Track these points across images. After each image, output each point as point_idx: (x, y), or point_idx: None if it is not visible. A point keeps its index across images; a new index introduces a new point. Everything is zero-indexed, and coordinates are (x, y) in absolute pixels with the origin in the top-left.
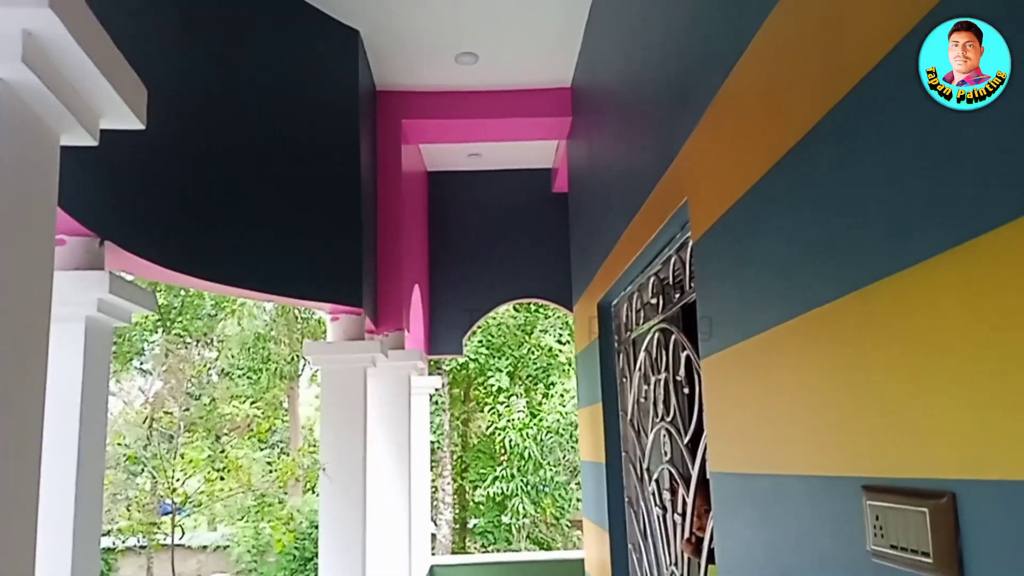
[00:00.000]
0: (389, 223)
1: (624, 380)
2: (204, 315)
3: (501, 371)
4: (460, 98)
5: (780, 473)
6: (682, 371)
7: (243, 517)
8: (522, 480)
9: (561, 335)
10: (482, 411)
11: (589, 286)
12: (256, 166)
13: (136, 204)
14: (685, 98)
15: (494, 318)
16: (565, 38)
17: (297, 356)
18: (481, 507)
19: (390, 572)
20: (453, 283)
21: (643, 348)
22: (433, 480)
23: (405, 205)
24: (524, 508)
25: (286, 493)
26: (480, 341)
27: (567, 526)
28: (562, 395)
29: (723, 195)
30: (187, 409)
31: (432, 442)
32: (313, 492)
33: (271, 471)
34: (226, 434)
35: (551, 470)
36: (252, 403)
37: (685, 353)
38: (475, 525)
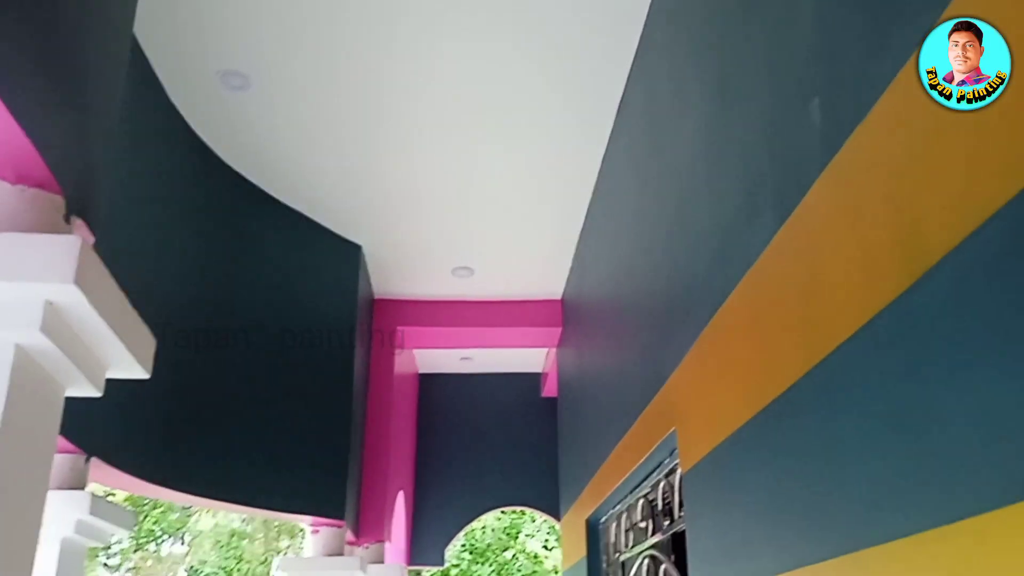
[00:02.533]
0: (378, 429)
1: None
2: (178, 508)
3: None
4: (455, 307)
5: None
6: None
7: None
8: None
9: (547, 540)
10: None
11: (577, 501)
12: (249, 378)
13: (123, 419)
14: (672, 329)
15: (478, 521)
16: (557, 253)
17: (271, 555)
18: None
19: None
20: (440, 488)
21: (632, 573)
22: None
23: (395, 410)
24: None
25: None
26: (463, 545)
27: None
28: None
29: (711, 431)
30: None
31: None
32: None
33: None
34: None
35: None
36: None
37: None
38: None
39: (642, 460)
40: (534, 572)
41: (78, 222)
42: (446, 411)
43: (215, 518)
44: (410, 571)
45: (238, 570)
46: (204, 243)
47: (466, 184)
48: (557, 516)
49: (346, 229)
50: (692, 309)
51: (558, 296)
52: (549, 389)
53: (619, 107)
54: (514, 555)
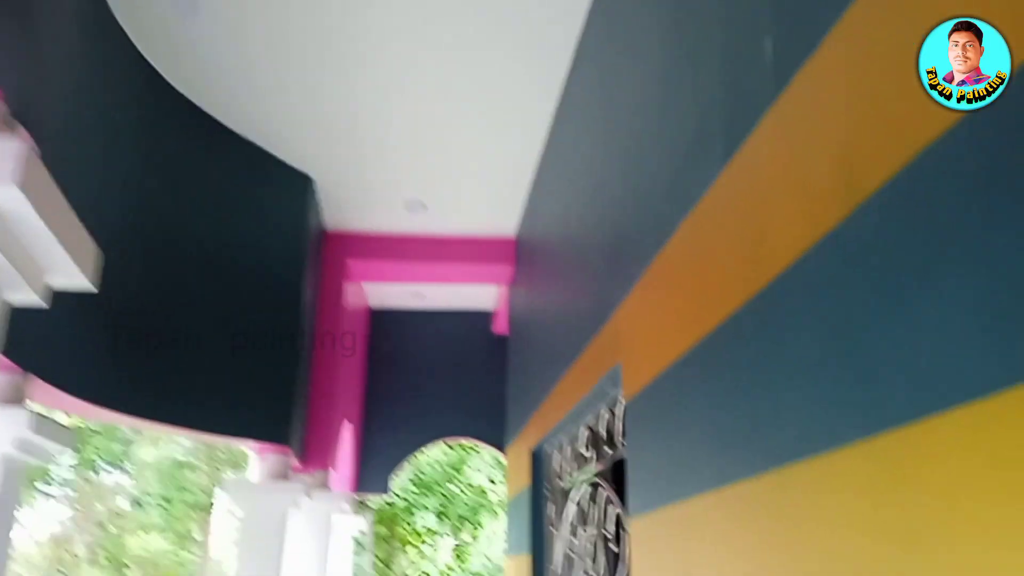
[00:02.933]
0: (325, 359)
1: (552, 529)
2: (120, 438)
3: (429, 510)
4: (407, 242)
5: None
6: (611, 527)
7: None
8: None
9: (492, 474)
10: (406, 552)
11: (522, 431)
12: (196, 304)
13: (64, 337)
14: (618, 268)
15: (424, 454)
16: (512, 191)
17: (215, 485)
18: None
19: None
20: (387, 420)
21: (573, 500)
22: None
23: (343, 341)
24: None
25: None
26: (409, 478)
27: None
28: (491, 539)
29: (654, 361)
30: (93, 542)
31: None
32: None
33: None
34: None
35: None
36: (162, 533)
37: (615, 511)
38: None
39: (587, 393)
40: (479, 504)
41: (22, 131)
42: (396, 346)
43: (157, 448)
44: (355, 498)
45: (182, 500)
46: (152, 167)
47: (421, 118)
48: (503, 449)
49: (297, 160)
50: (640, 245)
51: (511, 234)
52: (500, 327)
53: (576, 45)
54: (460, 488)
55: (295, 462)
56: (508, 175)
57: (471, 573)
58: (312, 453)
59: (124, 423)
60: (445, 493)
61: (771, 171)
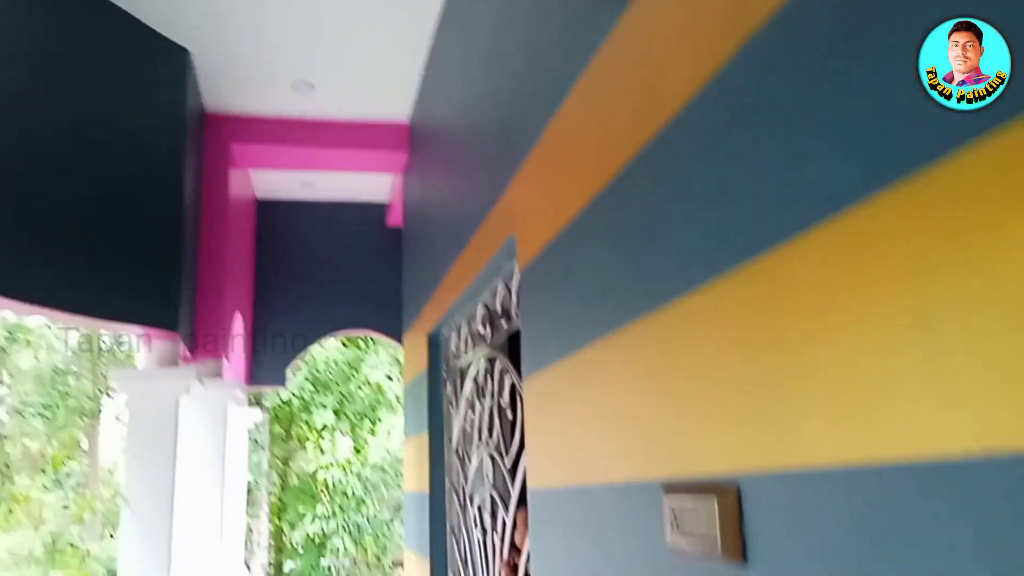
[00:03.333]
0: (212, 247)
1: (451, 408)
2: None
3: (326, 407)
4: (294, 125)
5: (590, 484)
6: (506, 396)
7: (30, 564)
8: (343, 518)
9: (390, 371)
10: (304, 449)
11: (419, 317)
12: (69, 180)
13: None
14: (513, 138)
15: (321, 351)
16: (404, 74)
17: (101, 392)
18: (299, 549)
19: None
20: (280, 313)
21: (470, 377)
22: (249, 519)
23: (230, 230)
24: (345, 547)
25: (82, 537)
26: (305, 377)
27: (389, 567)
28: (389, 432)
29: (547, 228)
30: None
31: (249, 481)
32: (112, 537)
33: (64, 507)
34: (6, 469)
35: (374, 508)
36: (48, 441)
37: (510, 379)
38: (292, 569)
39: (481, 269)
40: (377, 401)
41: None
42: (287, 239)
43: (36, 358)
44: (251, 394)
45: (64, 406)
46: (17, 38)
47: None
48: (400, 339)
49: (172, 30)
50: (534, 112)
51: (404, 120)
52: (394, 219)
53: None
54: (357, 385)
55: (185, 352)
56: (401, 55)
57: (370, 465)
58: (202, 342)
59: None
60: (343, 391)
61: (665, 14)
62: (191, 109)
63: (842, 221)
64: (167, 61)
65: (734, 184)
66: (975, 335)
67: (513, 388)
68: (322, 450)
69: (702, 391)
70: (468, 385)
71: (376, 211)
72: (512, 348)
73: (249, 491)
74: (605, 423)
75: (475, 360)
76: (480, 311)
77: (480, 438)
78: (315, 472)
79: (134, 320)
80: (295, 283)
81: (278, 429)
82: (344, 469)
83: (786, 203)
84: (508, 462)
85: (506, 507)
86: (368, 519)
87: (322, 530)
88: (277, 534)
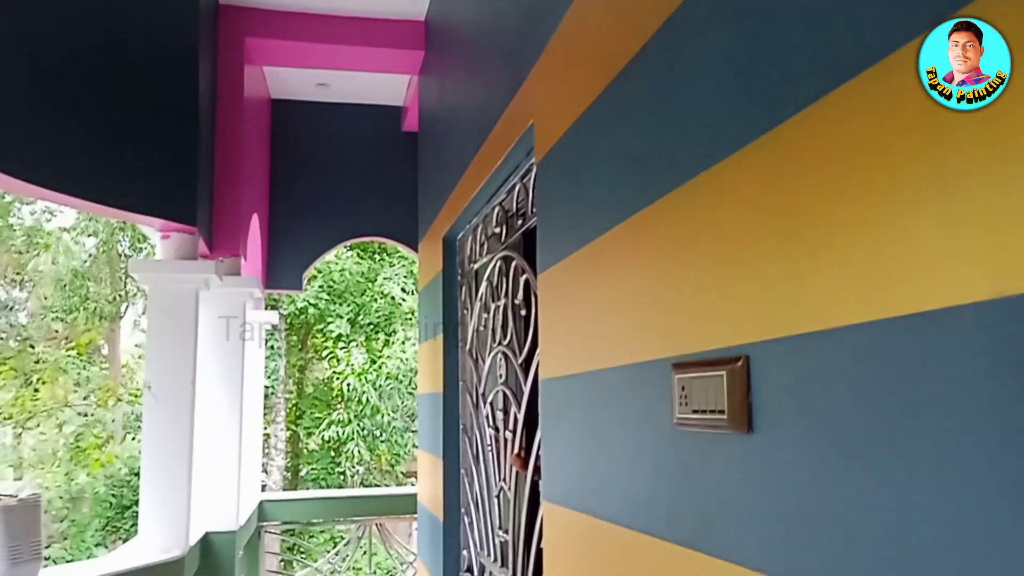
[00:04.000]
0: (228, 145)
1: (465, 311)
2: (13, 250)
3: (342, 318)
4: (309, 20)
5: (601, 368)
6: (520, 295)
7: (54, 463)
8: (358, 425)
9: (405, 284)
10: (321, 359)
11: (434, 222)
12: (84, 71)
13: None
14: (531, 28)
15: (336, 262)
16: None
17: (119, 296)
18: (315, 454)
19: (217, 505)
20: (295, 217)
21: (485, 278)
22: (266, 427)
23: (246, 128)
24: (359, 453)
25: (104, 428)
26: (321, 286)
27: (402, 474)
28: (403, 343)
29: (565, 116)
30: None
31: (266, 387)
32: (134, 439)
33: (88, 394)
34: (32, 348)
35: (389, 415)
36: (67, 347)
37: (524, 277)
38: (308, 472)
39: (499, 163)
40: (391, 313)
41: None
42: (302, 140)
43: (55, 262)
44: (268, 296)
45: (84, 308)
46: None
47: None
48: (415, 248)
49: None
50: (551, 2)
51: (421, 16)
52: (410, 123)
53: None
54: (372, 297)
55: (203, 248)
56: None
57: (385, 375)
58: (220, 239)
59: (18, 190)
60: (358, 303)
61: None
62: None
63: (862, 80)
64: None
65: (754, 52)
66: (990, 183)
67: (528, 286)
68: (338, 359)
69: (716, 267)
70: (483, 286)
71: (392, 114)
72: (527, 248)
73: (266, 396)
74: (618, 308)
75: (491, 261)
76: (496, 212)
77: (494, 338)
78: (330, 379)
79: (153, 212)
80: (310, 187)
81: (294, 338)
82: (359, 377)
83: (807, 67)
84: (521, 359)
85: (518, 404)
86: (382, 427)
87: (337, 435)
88: (293, 439)
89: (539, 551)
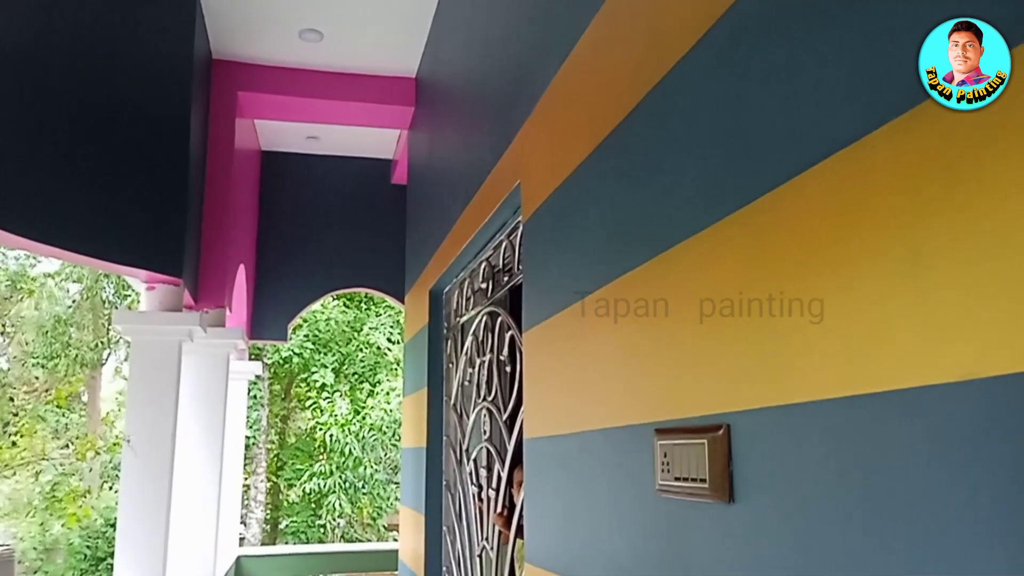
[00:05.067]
0: (216, 196)
1: (450, 366)
2: None
3: (326, 367)
4: (301, 76)
5: (585, 430)
6: (506, 351)
7: (29, 512)
8: (340, 477)
9: (391, 334)
10: (304, 409)
11: (421, 275)
12: (77, 122)
13: None
14: (521, 89)
15: (322, 312)
16: (413, 26)
17: (102, 343)
18: (296, 506)
19: (193, 561)
20: (282, 267)
21: (471, 332)
22: (246, 477)
23: (235, 180)
24: (341, 506)
25: (81, 479)
26: (306, 335)
27: (384, 528)
28: (388, 393)
29: (552, 176)
30: None
31: (247, 437)
32: (111, 489)
33: (64, 457)
34: (11, 400)
35: (372, 468)
36: (47, 398)
37: (510, 333)
38: (288, 525)
39: (486, 219)
40: (376, 362)
41: None
42: (291, 192)
43: (37, 308)
44: (252, 346)
45: (65, 355)
46: None
47: None
48: (402, 299)
49: None
50: (541, 64)
51: (412, 74)
52: (399, 176)
53: None
54: (357, 347)
55: (188, 300)
56: (410, 6)
57: (369, 426)
58: (206, 290)
59: (12, 243)
60: (343, 352)
61: None
62: (199, 54)
63: (841, 159)
64: (177, 3)
65: (737, 125)
66: (964, 265)
67: (513, 342)
68: (321, 409)
69: (698, 334)
70: (468, 341)
71: (381, 167)
72: (513, 304)
73: (247, 447)
74: (601, 370)
75: (476, 316)
76: (483, 268)
77: (479, 394)
78: (313, 429)
79: (139, 264)
80: (298, 238)
81: (277, 388)
82: (343, 428)
83: (788, 143)
84: (505, 416)
85: (502, 461)
86: (365, 480)
87: (319, 488)
88: (274, 491)
89: None
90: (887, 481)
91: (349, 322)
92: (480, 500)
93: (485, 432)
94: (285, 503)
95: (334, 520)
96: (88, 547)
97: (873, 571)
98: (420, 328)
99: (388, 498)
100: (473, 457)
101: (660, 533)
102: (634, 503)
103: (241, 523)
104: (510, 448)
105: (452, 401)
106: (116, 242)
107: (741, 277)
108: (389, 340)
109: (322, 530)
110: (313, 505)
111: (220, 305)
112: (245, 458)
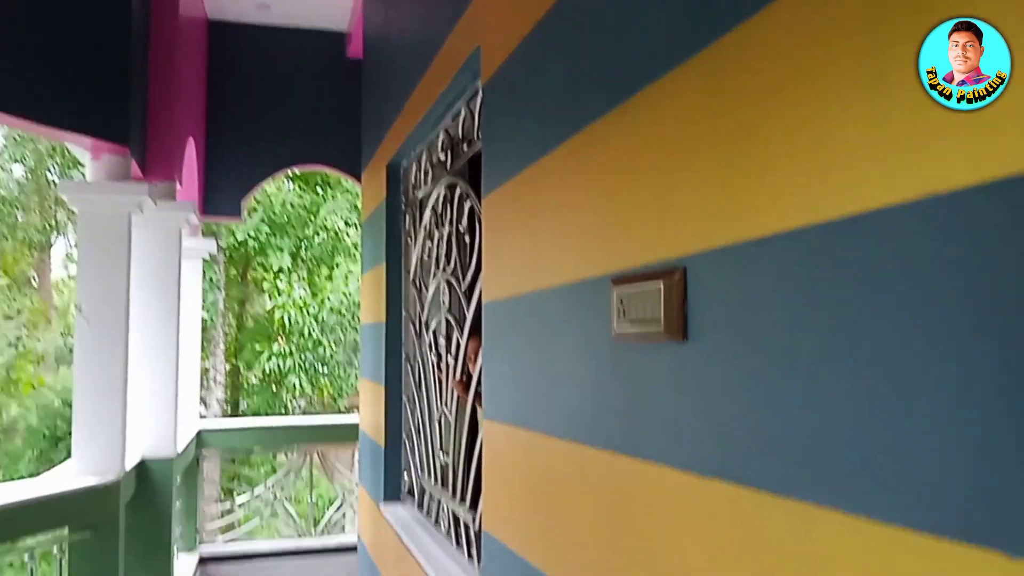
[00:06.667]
0: (162, 62)
1: (409, 240)
2: None
3: (283, 251)
4: None
5: (543, 288)
6: (465, 221)
7: None
8: (300, 358)
9: (349, 217)
10: (261, 292)
11: (378, 149)
12: None
13: None
14: None
15: (277, 194)
16: None
17: (49, 226)
18: (255, 388)
19: (153, 431)
20: (234, 144)
21: (429, 206)
22: (205, 360)
23: (181, 48)
24: (300, 386)
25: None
26: (262, 219)
27: (344, 409)
28: (347, 277)
29: (511, 36)
30: None
31: (205, 320)
32: (68, 366)
33: (16, 339)
34: None
35: (331, 349)
36: None
37: (469, 204)
38: (248, 406)
39: (445, 87)
40: (334, 247)
41: None
42: (241, 65)
43: None
44: (204, 221)
45: (12, 238)
46: None
47: None
48: (359, 177)
49: None
50: None
51: None
52: (355, 50)
53: None
54: (314, 230)
55: (136, 171)
56: None
57: (327, 309)
58: (154, 161)
59: None
60: (300, 236)
61: None
62: None
63: None
64: None
65: None
66: (917, 85)
67: (472, 213)
68: (278, 291)
69: (656, 181)
70: (427, 215)
71: (336, 40)
72: (472, 175)
73: (205, 329)
74: (560, 227)
75: (435, 189)
76: (442, 139)
77: (438, 266)
78: (271, 312)
79: (81, 128)
80: (250, 113)
81: (234, 272)
82: (301, 310)
83: None
84: (464, 286)
85: (461, 329)
86: (324, 361)
87: (278, 368)
88: (233, 373)
89: (479, 471)
90: (834, 310)
91: (305, 206)
92: (439, 369)
93: (444, 303)
94: (245, 384)
95: (294, 400)
96: (47, 427)
97: (817, 396)
98: (378, 204)
99: (348, 379)
100: (432, 328)
101: (616, 379)
102: (591, 353)
103: (202, 404)
104: (469, 316)
105: (411, 276)
106: (57, 106)
107: (699, 119)
108: (347, 224)
109: (283, 410)
110: (273, 386)
111: (170, 178)
112: (203, 340)
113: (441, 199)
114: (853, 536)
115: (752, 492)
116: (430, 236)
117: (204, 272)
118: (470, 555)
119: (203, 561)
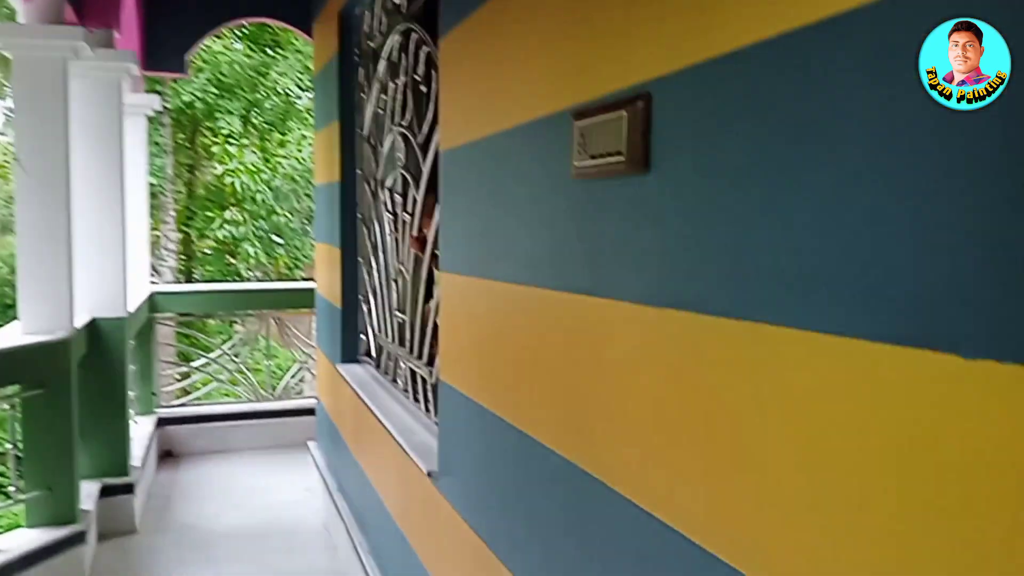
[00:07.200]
0: None
1: (362, 96)
2: None
3: (232, 114)
4: None
5: (501, 130)
6: (421, 69)
7: None
8: (254, 226)
9: (301, 80)
10: (211, 158)
11: (329, 1)
12: None
13: None
14: None
15: (225, 54)
16: None
17: None
18: (208, 257)
19: (102, 290)
20: None
21: (384, 57)
22: (155, 227)
23: None
24: (255, 255)
25: None
26: (208, 79)
27: (302, 279)
28: (299, 143)
29: None
30: None
31: (153, 185)
32: (14, 235)
33: None
34: None
35: (286, 217)
36: None
37: (425, 50)
38: (201, 274)
39: None
40: (286, 111)
41: None
42: None
43: None
44: (148, 80)
45: None
46: None
47: None
48: (309, 30)
49: None
50: None
51: None
52: None
53: None
54: (265, 93)
55: (71, 16)
56: None
57: (280, 175)
58: (90, 6)
59: None
60: (250, 98)
61: None
62: None
63: None
64: None
65: None
66: None
67: (429, 60)
68: (229, 155)
69: (617, 3)
70: (381, 66)
71: None
72: (428, 23)
73: (154, 195)
74: (519, 64)
75: (390, 37)
76: None
77: (393, 120)
78: (221, 177)
79: None
80: None
81: (182, 137)
82: (253, 177)
83: None
84: (420, 138)
85: (416, 185)
86: (279, 229)
87: (232, 236)
88: (185, 242)
89: (435, 327)
90: (803, 127)
91: (255, 67)
92: (396, 229)
93: (400, 159)
94: (198, 253)
95: (249, 269)
96: None
97: (780, 219)
98: (330, 57)
99: (304, 249)
100: (388, 186)
101: (575, 218)
102: (549, 193)
103: (154, 271)
104: (425, 171)
105: (365, 133)
106: None
107: None
108: (299, 87)
109: (237, 279)
110: (227, 255)
111: (107, 25)
112: (152, 207)
113: (396, 48)
114: (800, 347)
115: (707, 317)
116: (384, 89)
117: (150, 136)
118: (427, 409)
119: (161, 423)
